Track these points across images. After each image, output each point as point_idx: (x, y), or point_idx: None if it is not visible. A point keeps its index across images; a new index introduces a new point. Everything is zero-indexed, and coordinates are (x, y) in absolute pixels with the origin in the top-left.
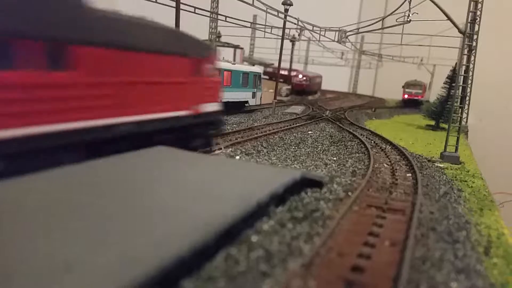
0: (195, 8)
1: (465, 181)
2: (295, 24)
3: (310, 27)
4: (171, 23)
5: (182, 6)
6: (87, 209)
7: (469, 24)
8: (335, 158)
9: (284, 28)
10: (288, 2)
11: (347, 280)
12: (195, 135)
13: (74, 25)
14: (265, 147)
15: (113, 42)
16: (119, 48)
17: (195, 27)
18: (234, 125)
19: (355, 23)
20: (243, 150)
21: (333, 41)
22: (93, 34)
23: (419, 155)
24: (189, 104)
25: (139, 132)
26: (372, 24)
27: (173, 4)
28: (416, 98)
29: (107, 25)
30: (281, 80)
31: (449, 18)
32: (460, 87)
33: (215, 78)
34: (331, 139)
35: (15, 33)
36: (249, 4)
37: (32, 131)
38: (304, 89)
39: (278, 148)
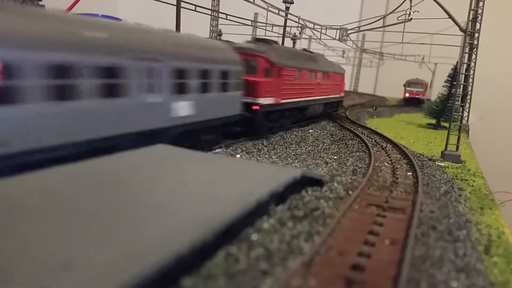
0: (196, 6)
1: (466, 180)
2: (296, 22)
3: (311, 25)
4: (172, 21)
5: (183, 4)
6: (86, 207)
7: (470, 22)
8: (335, 157)
9: (285, 26)
10: (289, 0)
11: (347, 279)
12: (335, 106)
13: (333, 67)
14: (265, 146)
15: (332, 71)
16: (332, 72)
17: (196, 25)
18: None
19: (356, 21)
20: (244, 148)
21: (334, 39)
22: (333, 69)
23: (420, 154)
24: (339, 92)
25: (332, 102)
26: (373, 22)
27: (174, 2)
28: (417, 96)
29: (332, 64)
30: None
31: (450, 16)
32: (461, 86)
33: (344, 82)
34: (332, 137)
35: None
36: (250, 2)
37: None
38: None
39: (279, 146)
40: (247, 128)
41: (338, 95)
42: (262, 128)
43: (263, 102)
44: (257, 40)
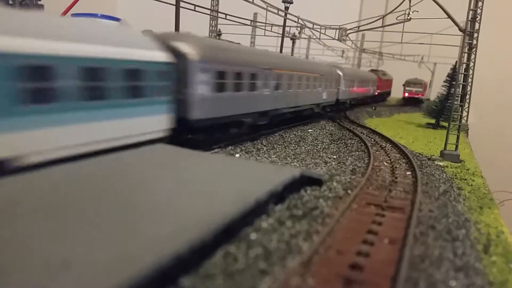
0: (195, 6)
1: (465, 179)
2: (295, 22)
3: (310, 25)
4: (171, 21)
5: (182, 4)
6: (85, 207)
7: (469, 22)
8: (335, 156)
9: (284, 26)
10: (288, 0)
11: (346, 278)
12: (388, 94)
13: (390, 76)
14: (265, 145)
15: (388, 78)
16: (388, 79)
17: (195, 25)
18: None
19: (356, 21)
20: (243, 148)
21: (334, 39)
22: (389, 77)
23: (419, 154)
24: (390, 88)
25: (388, 92)
26: (373, 22)
27: (173, 2)
28: (416, 96)
29: (389, 75)
30: None
31: (449, 16)
32: (461, 85)
33: (392, 83)
34: (331, 137)
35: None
36: (249, 2)
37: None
38: None
39: (278, 146)
40: (372, 100)
41: (389, 89)
42: (376, 100)
43: (378, 91)
44: (372, 70)
